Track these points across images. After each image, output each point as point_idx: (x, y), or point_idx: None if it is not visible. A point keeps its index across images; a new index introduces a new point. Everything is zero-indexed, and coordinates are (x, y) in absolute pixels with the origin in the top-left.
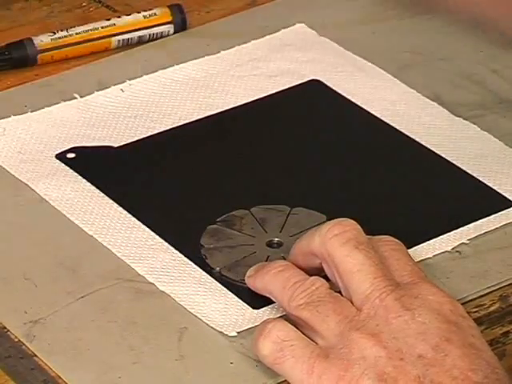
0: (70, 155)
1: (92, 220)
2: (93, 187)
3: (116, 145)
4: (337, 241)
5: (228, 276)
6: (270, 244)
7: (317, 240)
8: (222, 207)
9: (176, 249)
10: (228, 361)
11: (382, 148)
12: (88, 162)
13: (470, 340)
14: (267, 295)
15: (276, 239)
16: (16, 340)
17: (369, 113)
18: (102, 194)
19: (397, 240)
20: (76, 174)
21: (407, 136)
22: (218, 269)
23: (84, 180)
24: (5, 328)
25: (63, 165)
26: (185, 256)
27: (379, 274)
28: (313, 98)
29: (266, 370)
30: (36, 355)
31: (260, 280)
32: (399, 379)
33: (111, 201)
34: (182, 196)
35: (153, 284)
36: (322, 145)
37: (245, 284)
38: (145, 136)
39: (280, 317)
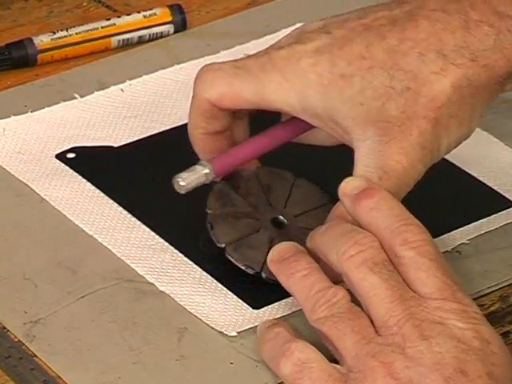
0: (70, 155)
1: (92, 220)
2: (93, 187)
3: (116, 145)
4: (352, 262)
5: (233, 256)
6: (274, 221)
7: (334, 258)
8: None
9: (176, 248)
10: (228, 361)
11: None
12: (88, 162)
13: (489, 369)
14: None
15: (281, 217)
16: (16, 340)
17: None
18: (102, 194)
19: (424, 234)
20: (76, 173)
21: None
22: (223, 245)
23: (84, 180)
24: (5, 328)
25: (63, 165)
26: (185, 256)
27: (396, 296)
28: None
29: (266, 370)
30: (36, 355)
31: (283, 279)
32: None
33: (111, 201)
34: (183, 196)
35: (153, 284)
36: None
37: (248, 268)
38: (145, 136)
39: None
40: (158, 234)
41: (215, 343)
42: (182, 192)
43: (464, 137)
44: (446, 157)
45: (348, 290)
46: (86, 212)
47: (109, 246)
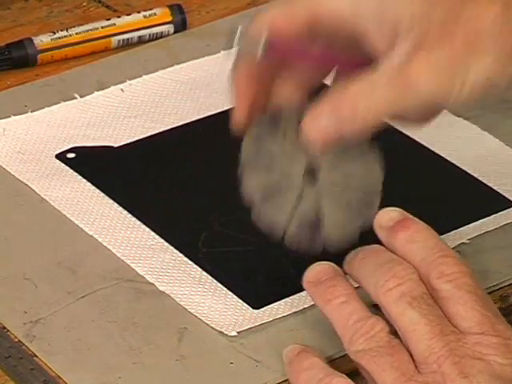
0: (70, 155)
1: (92, 220)
2: (93, 187)
3: (116, 145)
4: (391, 296)
5: (257, 220)
6: (308, 172)
7: (372, 289)
8: (223, 207)
9: (176, 248)
10: (228, 361)
11: (381, 148)
12: (88, 162)
13: None
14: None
15: (314, 168)
16: (16, 340)
17: None
18: (102, 194)
19: (461, 266)
20: (76, 173)
21: (407, 136)
22: (250, 196)
23: (84, 180)
24: (5, 328)
25: (63, 165)
26: (185, 256)
27: (436, 332)
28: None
29: (266, 370)
30: (36, 355)
31: (320, 304)
32: None
33: (111, 201)
34: (183, 196)
35: (153, 284)
36: None
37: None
38: (145, 136)
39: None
40: (157, 233)
41: (215, 343)
42: (232, 47)
43: (492, 78)
44: (446, 157)
45: (387, 320)
46: (86, 212)
47: (109, 246)
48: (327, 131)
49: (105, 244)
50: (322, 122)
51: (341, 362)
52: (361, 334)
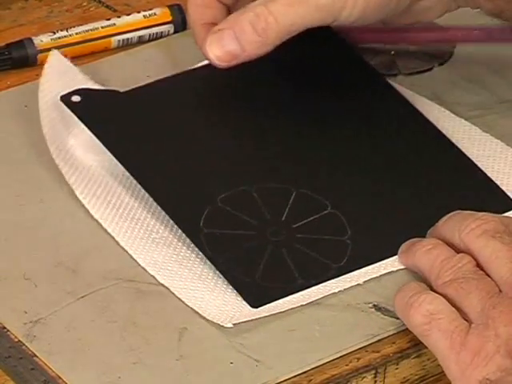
0: (75, 98)
1: (98, 205)
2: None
3: (122, 89)
4: (473, 234)
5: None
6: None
7: (456, 237)
8: (228, 176)
9: (178, 225)
10: (228, 361)
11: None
12: (93, 109)
13: None
14: (417, 271)
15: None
16: (16, 340)
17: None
18: (111, 182)
19: None
20: (79, 121)
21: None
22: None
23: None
24: (5, 328)
25: (73, 115)
26: (187, 235)
27: None
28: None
29: (266, 370)
30: (36, 355)
31: (411, 258)
32: None
33: (120, 188)
34: (187, 158)
35: (153, 284)
36: (334, 118)
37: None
38: (151, 81)
39: None
40: (159, 203)
41: (215, 343)
42: None
43: None
44: None
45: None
46: (94, 195)
47: (113, 234)
48: (229, 49)
49: (109, 231)
50: (224, 41)
51: (340, 362)
52: (448, 268)
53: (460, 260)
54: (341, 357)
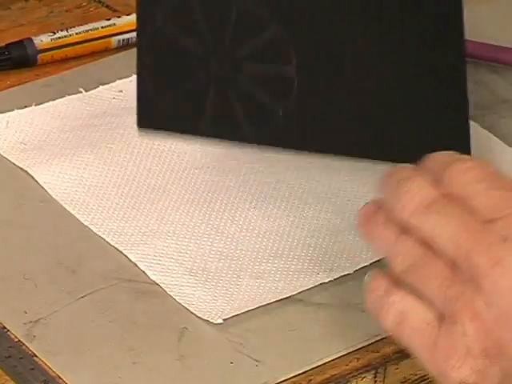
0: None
1: (88, 211)
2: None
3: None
4: (407, 211)
5: None
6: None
7: (396, 212)
8: None
9: None
10: (228, 361)
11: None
12: None
13: None
14: None
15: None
16: (16, 340)
17: None
18: (100, 185)
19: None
20: (75, 159)
21: None
22: None
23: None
24: (5, 328)
25: (64, 150)
26: (177, 244)
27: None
28: None
29: (265, 370)
30: (36, 355)
31: (370, 238)
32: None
33: (108, 192)
34: None
35: (153, 284)
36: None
37: None
38: None
39: None
40: None
41: (215, 343)
42: None
43: None
44: None
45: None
46: (83, 203)
47: (103, 236)
48: None
49: (99, 234)
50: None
51: (340, 362)
52: (397, 255)
53: (403, 245)
54: (341, 357)
